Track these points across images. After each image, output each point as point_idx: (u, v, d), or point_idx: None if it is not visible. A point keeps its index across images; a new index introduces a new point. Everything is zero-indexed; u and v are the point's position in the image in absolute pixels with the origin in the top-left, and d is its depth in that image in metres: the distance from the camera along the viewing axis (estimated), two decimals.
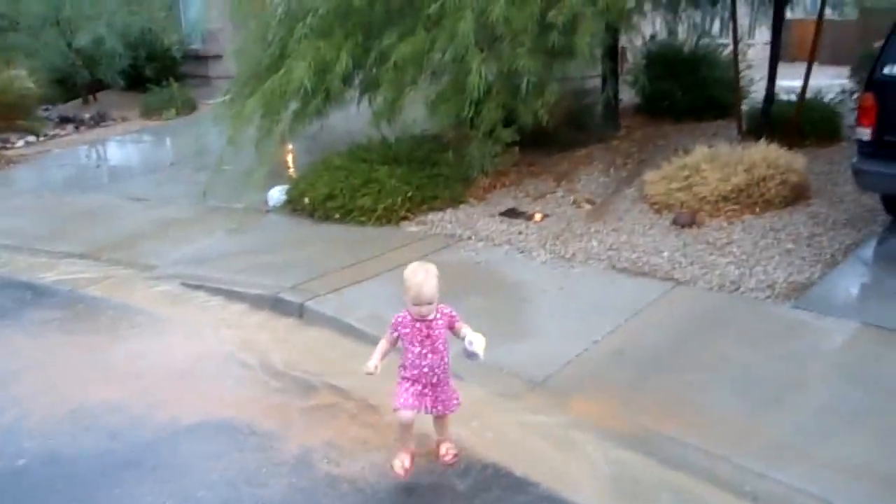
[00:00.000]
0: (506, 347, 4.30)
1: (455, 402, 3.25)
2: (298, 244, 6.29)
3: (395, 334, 3.15)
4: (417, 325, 3.09)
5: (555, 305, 4.91)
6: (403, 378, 3.17)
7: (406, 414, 3.13)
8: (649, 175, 6.80)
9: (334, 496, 3.07)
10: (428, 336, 3.09)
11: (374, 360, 3.09)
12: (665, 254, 5.55)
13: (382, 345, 3.18)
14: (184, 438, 3.54)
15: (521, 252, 5.79)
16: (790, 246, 5.56)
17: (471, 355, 3.03)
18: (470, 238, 6.15)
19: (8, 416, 3.76)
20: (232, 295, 5.29)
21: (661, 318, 4.66)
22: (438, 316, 3.12)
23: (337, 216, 6.68)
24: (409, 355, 3.13)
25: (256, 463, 3.32)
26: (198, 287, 5.48)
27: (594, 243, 5.86)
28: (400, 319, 3.15)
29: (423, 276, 3.02)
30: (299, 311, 4.95)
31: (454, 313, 3.19)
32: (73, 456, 3.41)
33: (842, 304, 4.75)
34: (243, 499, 3.07)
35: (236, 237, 6.55)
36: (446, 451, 3.32)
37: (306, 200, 6.87)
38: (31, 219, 7.57)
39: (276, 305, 5.07)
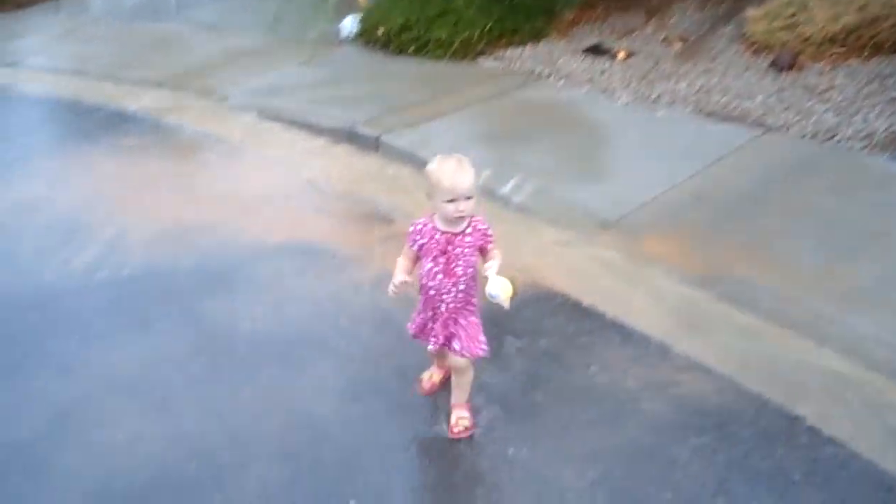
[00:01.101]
0: (581, 187, 4.41)
1: (477, 345, 2.61)
2: (372, 77, 6.34)
3: (414, 247, 2.56)
4: (438, 236, 2.49)
5: (635, 148, 4.90)
6: (419, 290, 2.67)
7: (411, 331, 2.76)
8: (751, 12, 6.40)
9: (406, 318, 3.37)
10: (444, 252, 2.49)
11: (397, 278, 2.56)
12: (758, 98, 5.36)
13: (401, 262, 2.61)
14: (270, 257, 3.88)
15: (604, 92, 5.69)
16: None
17: (493, 298, 2.42)
18: (550, 76, 6.05)
19: (108, 232, 4.16)
20: (308, 127, 5.48)
21: (746, 163, 4.61)
22: (469, 230, 2.49)
23: (411, 49, 6.64)
24: (422, 271, 2.58)
25: (338, 282, 3.64)
26: (274, 118, 5.68)
27: (682, 85, 5.69)
28: (419, 227, 2.53)
29: (455, 164, 2.39)
30: (375, 145, 5.12)
31: (490, 232, 2.54)
32: (169, 270, 3.80)
33: None
34: (327, 314, 3.41)
35: (309, 69, 6.63)
36: (456, 420, 2.72)
37: (380, 31, 6.81)
38: (106, 47, 7.82)
39: (352, 138, 5.23)
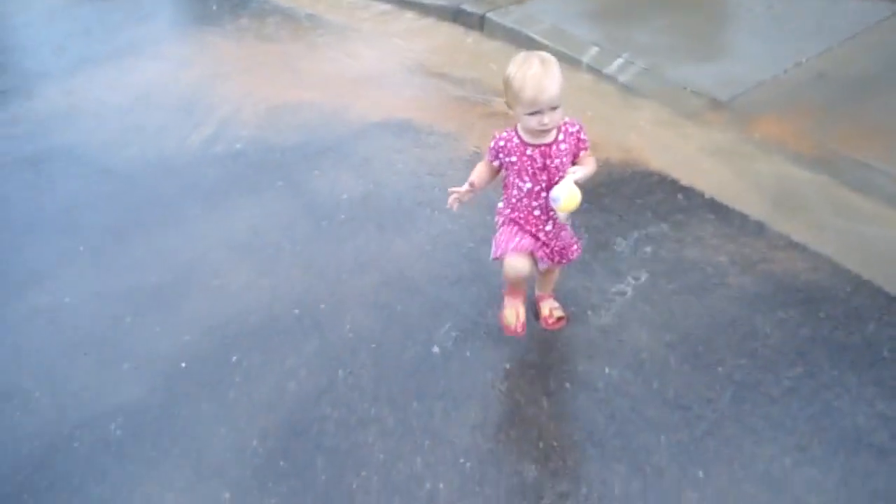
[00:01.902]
0: (694, 67, 4.28)
1: (576, 247, 2.54)
2: None
3: (497, 163, 2.36)
4: (529, 151, 2.24)
5: (759, 25, 4.65)
6: (507, 221, 2.45)
7: (517, 263, 2.40)
8: None
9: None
10: (544, 168, 2.25)
11: (471, 178, 2.38)
12: None
13: (480, 168, 2.41)
14: (372, 133, 4.09)
15: None
16: None
17: (554, 201, 2.23)
18: None
19: (222, 110, 4.49)
20: (414, 6, 5.54)
21: (880, 43, 4.29)
22: (561, 137, 2.25)
23: None
24: (516, 192, 2.34)
25: (436, 157, 3.81)
26: None
27: None
28: (503, 143, 2.29)
29: (538, 67, 2.10)
30: (480, 23, 5.12)
31: (584, 136, 2.30)
32: (278, 143, 4.10)
33: None
34: (427, 186, 3.60)
35: None
36: (549, 311, 2.74)
37: None
38: None
39: (457, 16, 5.26)
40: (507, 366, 2.58)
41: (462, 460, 2.29)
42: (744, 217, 3.19)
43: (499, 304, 2.65)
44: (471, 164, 3.72)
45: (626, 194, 3.39)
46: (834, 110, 3.79)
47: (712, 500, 2.11)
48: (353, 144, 4.01)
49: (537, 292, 2.78)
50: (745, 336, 2.62)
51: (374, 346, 2.72)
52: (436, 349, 2.68)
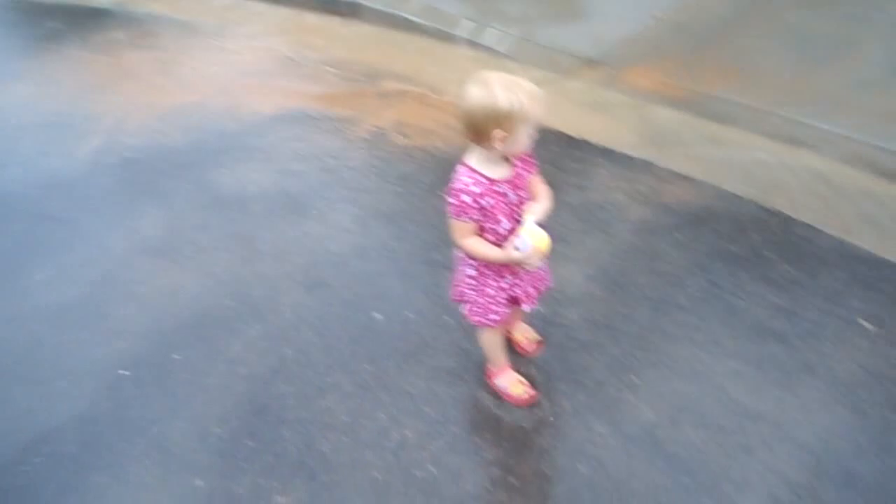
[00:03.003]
0: (563, 30, 4.61)
1: (545, 274, 2.36)
2: None
3: (476, 213, 2.01)
4: (497, 187, 2.00)
5: None
6: (479, 276, 2.20)
7: (498, 339, 2.41)
8: None
9: (409, 161, 3.68)
10: (522, 202, 2.05)
11: (503, 254, 2.03)
12: None
13: (477, 242, 2.06)
14: (267, 126, 4.13)
15: None
16: None
17: (520, 249, 1.99)
18: None
19: (106, 121, 4.38)
20: (286, 1, 5.57)
21: None
22: (518, 164, 2.04)
23: None
24: (492, 237, 2.07)
25: (337, 141, 3.92)
26: None
27: None
28: (476, 190, 1.97)
29: (526, 83, 1.90)
30: (352, 10, 5.24)
31: (531, 158, 2.09)
32: (173, 146, 4.06)
33: None
34: (333, 168, 3.71)
35: None
36: (525, 338, 2.66)
37: None
38: None
39: (328, 6, 5.35)
40: (448, 319, 2.76)
41: (423, 407, 2.45)
42: (631, 159, 3.53)
43: (431, 262, 2.82)
44: (372, 145, 3.92)
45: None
46: (693, 56, 4.22)
47: (649, 400, 2.39)
48: (251, 139, 4.04)
49: (514, 323, 2.65)
50: (651, 259, 2.93)
51: (316, 321, 2.82)
52: (377, 315, 2.82)
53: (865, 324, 2.58)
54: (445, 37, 4.81)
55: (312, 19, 5.35)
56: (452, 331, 2.71)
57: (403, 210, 3.37)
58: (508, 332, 2.64)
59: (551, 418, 2.38)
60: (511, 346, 2.62)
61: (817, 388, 2.38)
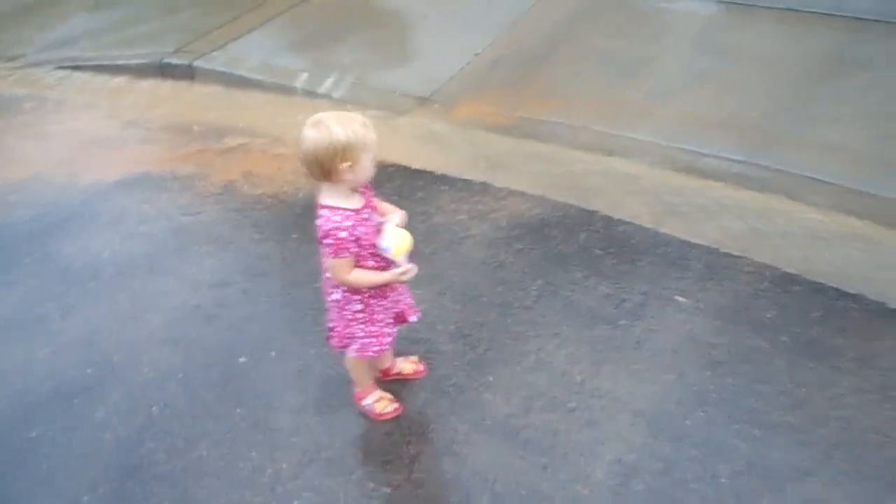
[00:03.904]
0: (394, 73, 4.86)
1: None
2: (170, 10, 6.33)
3: (354, 245, 2.15)
4: (365, 214, 2.17)
5: (437, 28, 5.38)
6: (366, 307, 2.31)
7: (364, 361, 2.50)
8: None
9: (261, 208, 3.75)
10: (378, 226, 2.21)
11: (389, 275, 2.21)
12: None
13: (360, 274, 2.19)
14: (111, 192, 4.06)
15: None
16: None
17: (384, 250, 2.18)
18: None
19: None
20: (115, 69, 5.49)
21: (534, 24, 5.23)
22: (364, 191, 2.23)
23: None
24: (372, 263, 2.21)
25: (186, 198, 3.92)
26: (76, 68, 5.61)
27: None
28: (349, 223, 2.11)
29: (357, 117, 2.09)
30: (189, 73, 5.26)
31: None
32: (10, 222, 3.89)
33: None
34: (184, 224, 3.70)
35: (100, 13, 6.49)
36: (411, 365, 2.73)
37: None
38: None
39: (164, 71, 5.33)
40: (311, 351, 2.84)
41: (294, 439, 2.51)
42: (469, 182, 3.78)
43: (293, 301, 2.89)
44: (222, 198, 3.95)
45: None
46: (513, 87, 4.58)
47: (504, 394, 2.58)
48: (96, 206, 3.96)
49: (386, 364, 2.69)
50: (495, 269, 3.16)
51: (180, 375, 2.82)
52: (241, 359, 2.86)
53: (680, 299, 2.91)
54: (284, 90, 4.93)
55: (150, 85, 5.30)
56: (316, 362, 2.79)
57: (258, 255, 3.43)
58: (392, 371, 2.69)
59: (416, 427, 2.51)
60: (401, 380, 2.69)
61: (645, 359, 2.66)
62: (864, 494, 2.18)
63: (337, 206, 2.12)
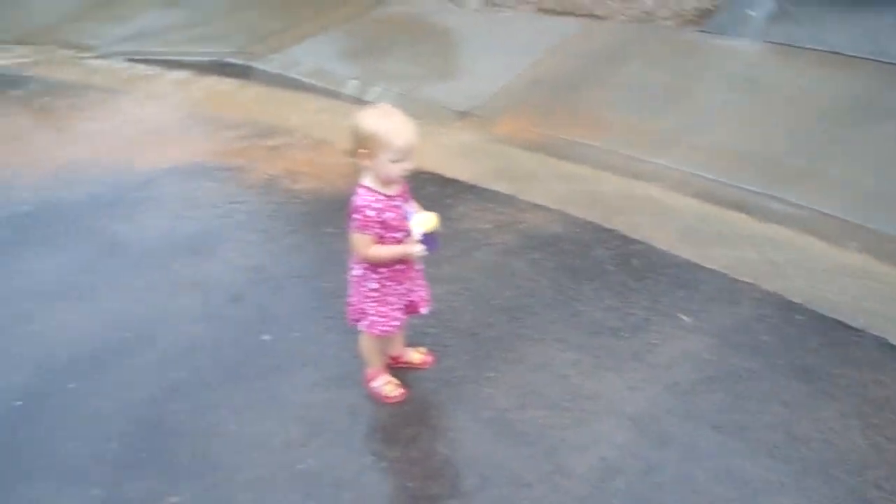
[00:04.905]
0: (441, 86, 5.10)
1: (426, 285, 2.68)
2: (235, 11, 6.72)
3: (378, 226, 2.34)
4: (396, 202, 2.36)
5: (483, 48, 5.61)
6: (381, 287, 2.49)
7: (378, 343, 2.67)
8: None
9: (299, 203, 4.00)
10: (406, 214, 2.38)
11: (402, 249, 2.40)
12: None
13: (378, 248, 2.38)
14: (163, 178, 4.36)
15: (455, 2, 6.35)
16: None
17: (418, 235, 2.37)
18: None
19: (2, 175, 4.51)
20: (179, 64, 5.87)
21: (576, 50, 5.42)
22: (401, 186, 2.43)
23: None
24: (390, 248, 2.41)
25: (232, 188, 4.19)
26: (144, 61, 6.01)
27: None
28: (379, 205, 2.32)
29: (399, 118, 2.28)
30: (246, 73, 5.59)
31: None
32: (69, 199, 4.22)
33: (740, 26, 5.51)
34: (228, 210, 3.97)
35: (173, 10, 6.93)
36: (420, 356, 2.88)
37: None
38: None
39: (223, 69, 5.68)
40: (331, 336, 3.04)
41: (307, 412, 2.70)
42: (496, 193, 3.96)
43: (316, 291, 3.09)
44: (265, 191, 4.21)
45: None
46: (550, 107, 4.77)
47: (503, 389, 2.73)
48: (148, 189, 4.26)
49: (397, 351, 2.83)
50: (510, 275, 3.33)
51: (209, 346, 3.05)
52: (265, 336, 3.07)
53: (684, 317, 3.03)
54: (333, 95, 5.20)
55: (209, 81, 5.65)
56: (334, 346, 2.99)
57: (291, 245, 3.66)
58: (402, 359, 2.85)
59: (418, 412, 2.68)
60: (409, 369, 2.85)
61: (641, 370, 2.79)
62: None
63: (372, 188, 2.33)
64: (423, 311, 2.67)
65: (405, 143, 2.23)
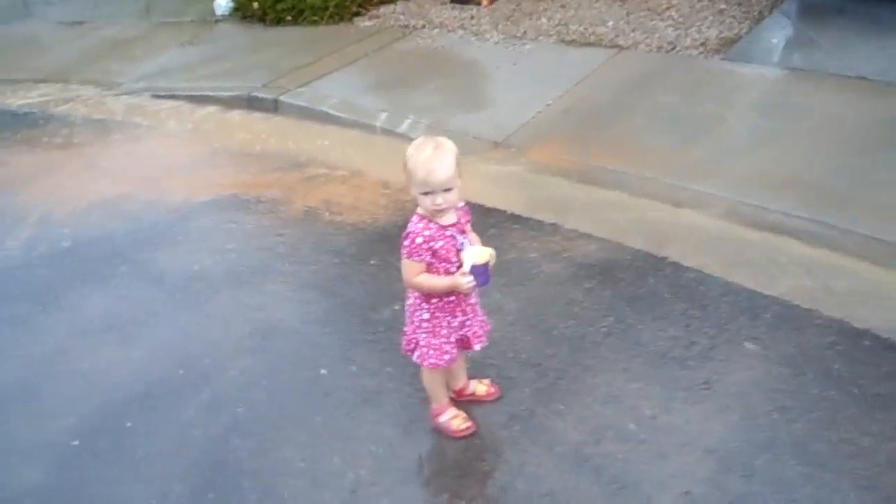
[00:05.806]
0: (469, 118, 5.09)
1: (486, 321, 2.63)
2: (257, 49, 6.74)
3: (427, 254, 2.32)
4: (449, 232, 2.34)
5: (509, 79, 5.62)
6: (432, 318, 2.45)
7: (441, 377, 2.64)
8: None
9: (341, 234, 3.95)
10: (460, 245, 2.36)
11: (450, 281, 2.34)
12: (610, 23, 6.21)
13: (425, 278, 2.35)
14: (200, 211, 4.32)
15: (475, 35, 6.38)
16: (723, 6, 6.27)
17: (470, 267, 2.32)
18: (424, 27, 6.68)
19: (35, 213, 4.45)
20: (205, 99, 5.86)
21: (604, 80, 5.43)
22: (460, 213, 2.43)
23: (288, 18, 7.08)
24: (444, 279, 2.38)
25: (270, 221, 4.15)
26: (170, 97, 6.00)
27: (543, 20, 6.47)
28: (427, 233, 2.30)
29: (430, 151, 2.22)
30: (274, 106, 5.58)
31: (467, 206, 2.49)
32: (107, 234, 4.17)
33: (764, 54, 5.55)
34: (269, 243, 3.92)
35: (192, 48, 6.94)
36: (485, 387, 2.83)
37: (255, 5, 7.19)
38: None
39: (251, 104, 5.67)
40: (390, 370, 2.98)
41: (373, 448, 2.63)
42: (540, 223, 3.92)
43: (370, 325, 3.03)
44: (304, 223, 4.17)
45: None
46: (582, 136, 4.75)
47: (574, 423, 2.67)
48: (186, 224, 4.22)
49: (460, 384, 2.79)
50: (566, 305, 3.28)
51: (265, 381, 2.98)
52: (323, 371, 3.01)
53: (749, 345, 2.98)
54: (364, 127, 5.19)
55: (237, 116, 5.63)
56: (394, 379, 2.92)
57: (338, 277, 3.61)
58: (463, 390, 2.79)
59: (489, 445, 2.61)
60: (474, 402, 2.78)
61: (714, 399, 2.73)
62: None
63: (425, 216, 2.33)
64: (477, 347, 2.58)
65: (426, 176, 2.21)
